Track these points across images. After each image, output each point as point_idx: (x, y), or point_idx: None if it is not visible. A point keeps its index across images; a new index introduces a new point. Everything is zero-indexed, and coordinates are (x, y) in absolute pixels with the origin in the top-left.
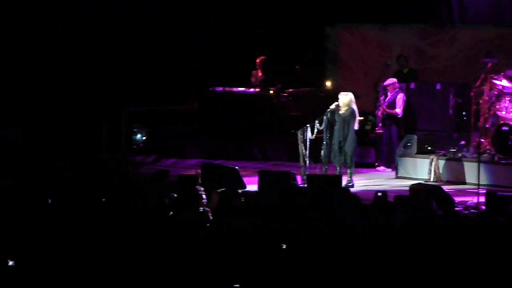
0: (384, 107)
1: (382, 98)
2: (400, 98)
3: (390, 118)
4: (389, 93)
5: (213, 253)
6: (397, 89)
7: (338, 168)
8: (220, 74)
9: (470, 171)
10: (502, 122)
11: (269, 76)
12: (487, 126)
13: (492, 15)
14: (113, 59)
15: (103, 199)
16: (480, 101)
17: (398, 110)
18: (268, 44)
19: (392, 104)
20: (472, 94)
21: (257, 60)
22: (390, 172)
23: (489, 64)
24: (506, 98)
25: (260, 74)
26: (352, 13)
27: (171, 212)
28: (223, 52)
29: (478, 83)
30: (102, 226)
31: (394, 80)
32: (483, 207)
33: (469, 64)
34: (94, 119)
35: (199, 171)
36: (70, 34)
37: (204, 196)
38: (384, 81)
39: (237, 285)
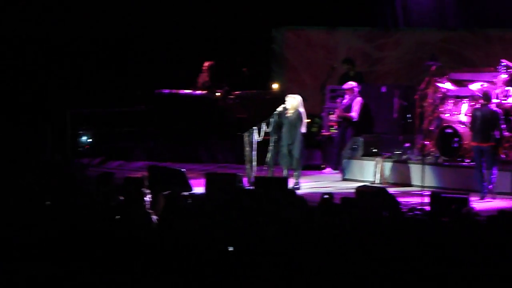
0: (341, 110)
1: (339, 100)
2: (357, 102)
3: (346, 121)
4: (346, 97)
5: (159, 255)
6: (355, 93)
7: (285, 170)
8: (167, 76)
9: (415, 173)
10: (446, 124)
11: (215, 80)
12: (431, 128)
13: (436, 19)
14: (59, 60)
15: (47, 202)
16: (425, 104)
17: (354, 114)
18: (215, 46)
19: (349, 108)
20: (416, 96)
21: (205, 65)
22: (336, 174)
23: (433, 67)
24: (450, 101)
25: (207, 78)
26: (299, 15)
27: (118, 216)
28: (170, 54)
29: (422, 86)
30: (46, 229)
31: (354, 84)
32: (428, 209)
33: (413, 67)
34: (39, 120)
35: (146, 173)
36: (14, 34)
37: (150, 199)
38: (330, 83)
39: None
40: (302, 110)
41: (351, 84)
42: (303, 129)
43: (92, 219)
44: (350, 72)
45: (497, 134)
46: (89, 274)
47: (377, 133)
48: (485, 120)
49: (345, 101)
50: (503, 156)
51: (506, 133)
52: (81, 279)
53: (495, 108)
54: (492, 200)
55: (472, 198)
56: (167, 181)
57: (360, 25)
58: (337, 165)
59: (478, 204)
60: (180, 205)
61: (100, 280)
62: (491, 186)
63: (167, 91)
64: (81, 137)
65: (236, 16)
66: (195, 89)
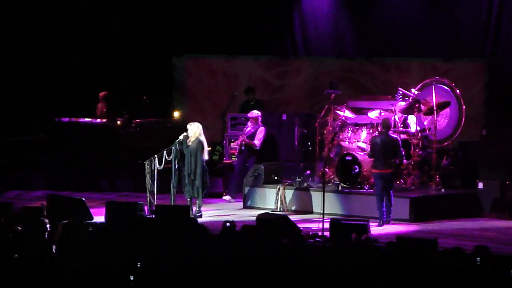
0: (244, 137)
1: (245, 128)
2: (261, 131)
3: (248, 149)
4: (249, 124)
5: (59, 285)
6: (259, 122)
7: (188, 199)
8: (67, 105)
9: (316, 200)
10: (345, 152)
11: (113, 109)
12: (332, 156)
13: (335, 48)
14: None
15: None
16: (324, 131)
17: (257, 142)
18: (115, 74)
19: (253, 136)
20: (316, 124)
21: (100, 95)
22: (237, 202)
23: (333, 95)
24: (349, 128)
25: (104, 109)
26: (199, 43)
27: (16, 254)
28: (70, 81)
29: (322, 114)
30: None
31: (258, 113)
32: (328, 235)
33: (313, 95)
34: None
35: (44, 202)
36: None
37: (49, 228)
38: (231, 111)
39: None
40: (202, 138)
41: (256, 113)
42: (205, 157)
43: None
44: (251, 101)
45: (397, 160)
46: None
47: (279, 161)
48: (385, 147)
49: (248, 129)
50: (398, 181)
51: (405, 161)
52: None
53: (394, 135)
54: (388, 225)
55: (371, 225)
56: (67, 210)
57: (260, 53)
58: (237, 193)
59: (376, 230)
60: (81, 234)
61: None
62: (391, 215)
63: (66, 119)
64: None
65: (136, 43)
66: (94, 117)
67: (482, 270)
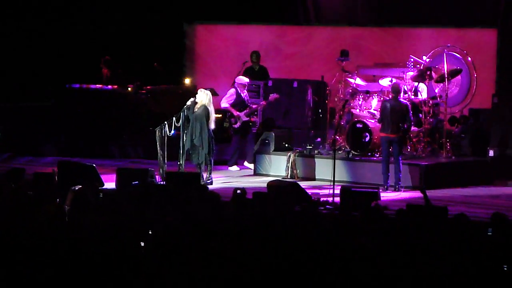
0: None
1: (246, 96)
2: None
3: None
4: (243, 90)
5: (70, 252)
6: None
7: (197, 166)
8: (78, 71)
9: (326, 167)
10: (356, 119)
11: (117, 73)
12: (342, 123)
13: (347, 15)
14: None
15: None
16: (335, 99)
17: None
18: (126, 40)
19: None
20: (327, 92)
21: (101, 60)
22: (248, 169)
23: (344, 63)
24: (360, 96)
25: (107, 72)
26: (210, 10)
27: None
28: (81, 48)
29: (333, 81)
30: None
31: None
32: (339, 203)
33: (324, 63)
34: None
35: (55, 169)
36: None
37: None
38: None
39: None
40: (210, 107)
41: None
42: (212, 125)
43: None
44: (255, 67)
45: (405, 125)
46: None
47: (289, 128)
48: (394, 112)
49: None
50: (409, 149)
51: (415, 128)
52: None
53: (404, 101)
54: (396, 192)
55: (381, 192)
56: (78, 177)
57: (272, 20)
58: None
59: (386, 196)
60: (91, 200)
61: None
62: (400, 182)
63: (77, 85)
64: None
65: (148, 11)
66: (106, 83)
67: (494, 237)
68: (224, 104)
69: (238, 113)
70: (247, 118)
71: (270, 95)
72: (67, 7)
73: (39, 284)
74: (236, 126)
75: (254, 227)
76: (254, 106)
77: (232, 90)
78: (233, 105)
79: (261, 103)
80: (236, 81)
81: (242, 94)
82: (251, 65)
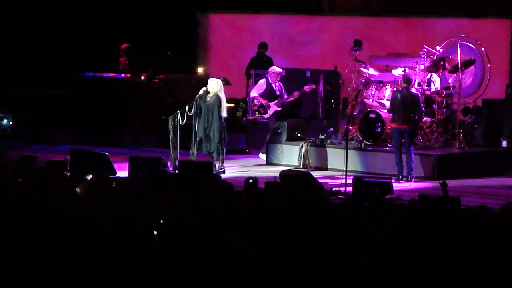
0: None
1: (277, 87)
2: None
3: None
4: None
5: (82, 241)
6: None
7: (209, 155)
8: (91, 59)
9: (339, 157)
10: (369, 109)
11: (136, 62)
12: (355, 113)
13: (360, 5)
14: None
15: None
16: (348, 89)
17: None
18: (139, 29)
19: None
20: (340, 81)
21: (121, 47)
22: (260, 159)
23: (357, 53)
24: (373, 86)
25: (126, 61)
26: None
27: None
28: (94, 37)
29: (346, 71)
30: None
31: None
32: (351, 193)
33: (337, 52)
34: None
35: (68, 157)
36: None
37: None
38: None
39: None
40: (221, 95)
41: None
42: (224, 114)
43: (13, 203)
44: (263, 57)
45: (416, 116)
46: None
47: (302, 118)
48: (405, 102)
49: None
50: (421, 139)
51: (427, 118)
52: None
53: (415, 91)
54: (408, 182)
55: (394, 182)
56: (91, 165)
57: (285, 10)
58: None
59: (398, 186)
60: (104, 188)
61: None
62: (412, 172)
63: (90, 74)
64: (2, 120)
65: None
66: (119, 72)
67: (507, 228)
68: (253, 93)
69: (267, 102)
70: (279, 108)
71: (306, 85)
72: None
73: (51, 272)
74: (266, 116)
75: (266, 216)
76: (285, 97)
77: (262, 80)
78: (262, 95)
79: (294, 93)
80: (269, 70)
81: (273, 84)
82: (258, 55)
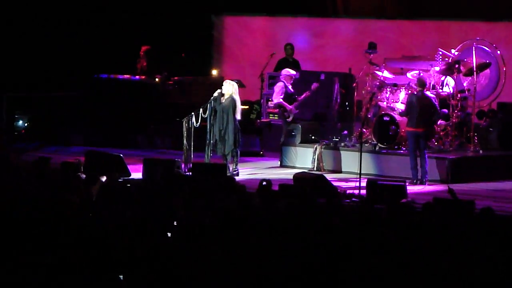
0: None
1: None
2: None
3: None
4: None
5: (96, 242)
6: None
7: (223, 157)
8: (106, 61)
9: (352, 160)
10: (383, 112)
11: (154, 64)
12: (369, 116)
13: (375, 7)
14: None
15: None
16: (363, 92)
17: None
18: (154, 31)
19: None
20: (354, 84)
21: (142, 49)
22: (275, 161)
23: (372, 55)
24: (387, 89)
25: (144, 63)
26: (238, 2)
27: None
28: (109, 38)
29: (360, 74)
30: None
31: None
32: (365, 196)
33: (352, 55)
34: None
35: (82, 158)
36: None
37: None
38: (268, 70)
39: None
40: (236, 97)
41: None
42: (238, 116)
43: (28, 203)
44: (290, 58)
45: (434, 118)
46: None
47: (316, 120)
48: (421, 106)
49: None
50: (435, 142)
51: (442, 121)
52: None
53: (430, 94)
54: (422, 186)
55: (408, 186)
56: (105, 166)
57: (299, 12)
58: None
59: (412, 189)
60: (118, 190)
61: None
62: (427, 176)
63: (105, 75)
64: (17, 121)
65: (176, 2)
66: (134, 74)
67: None
68: (277, 99)
69: (290, 107)
70: (297, 111)
71: (312, 84)
72: None
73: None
74: (289, 120)
75: (279, 218)
76: (300, 98)
77: (281, 84)
78: (283, 99)
79: (305, 93)
80: (282, 73)
81: (289, 87)
82: (285, 57)
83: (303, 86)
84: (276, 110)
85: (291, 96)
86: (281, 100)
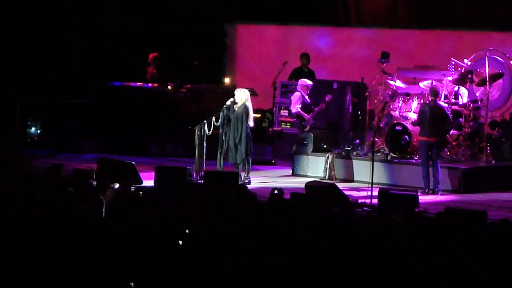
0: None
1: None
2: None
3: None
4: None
5: (107, 249)
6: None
7: (235, 165)
8: (119, 69)
9: (364, 169)
10: (395, 121)
11: (163, 72)
12: (381, 125)
13: (388, 17)
14: (8, 50)
15: None
16: (375, 101)
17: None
18: (167, 39)
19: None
20: (367, 93)
21: (149, 57)
22: (287, 170)
23: (384, 65)
24: (400, 98)
25: (153, 70)
26: (251, 10)
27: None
28: (122, 46)
29: (373, 83)
30: None
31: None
32: (377, 205)
33: (364, 64)
34: None
35: (94, 165)
36: None
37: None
38: (281, 78)
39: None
40: (249, 104)
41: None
42: (251, 123)
43: (40, 210)
44: (305, 68)
45: (446, 128)
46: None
47: (328, 129)
48: (434, 115)
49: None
50: (447, 152)
51: (454, 131)
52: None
53: (443, 104)
54: (434, 195)
55: (420, 195)
56: (117, 174)
57: (312, 21)
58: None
59: (424, 199)
60: (130, 197)
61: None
62: (439, 185)
63: (118, 83)
64: (30, 128)
65: (189, 10)
66: (145, 81)
67: None
68: (295, 109)
69: (308, 117)
70: (314, 121)
71: (327, 96)
72: (108, 5)
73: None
74: (306, 129)
75: (291, 227)
76: (317, 109)
77: (298, 93)
78: (301, 109)
79: (320, 105)
80: (299, 83)
81: (305, 97)
82: (300, 66)
83: (316, 95)
84: (292, 120)
85: (308, 106)
86: (299, 109)
